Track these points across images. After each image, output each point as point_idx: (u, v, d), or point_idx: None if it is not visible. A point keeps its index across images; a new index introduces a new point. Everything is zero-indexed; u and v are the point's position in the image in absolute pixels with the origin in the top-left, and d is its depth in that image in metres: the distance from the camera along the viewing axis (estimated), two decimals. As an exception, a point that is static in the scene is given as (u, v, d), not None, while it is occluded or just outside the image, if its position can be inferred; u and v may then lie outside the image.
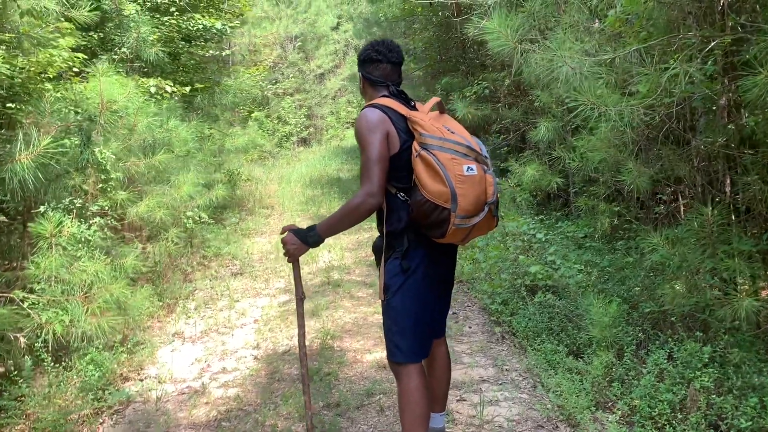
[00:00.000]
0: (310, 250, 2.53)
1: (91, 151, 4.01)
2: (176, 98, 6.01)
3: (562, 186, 5.97)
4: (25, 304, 3.29)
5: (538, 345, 3.82)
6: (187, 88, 5.99)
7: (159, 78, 5.95)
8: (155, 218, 5.28)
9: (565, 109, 5.98)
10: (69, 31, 4.40)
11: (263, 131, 21.78)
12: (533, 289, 4.57)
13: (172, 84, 5.64)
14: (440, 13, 9.80)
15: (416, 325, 2.38)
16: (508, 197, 6.47)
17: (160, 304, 5.28)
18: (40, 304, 3.37)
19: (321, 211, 10.21)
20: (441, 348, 2.64)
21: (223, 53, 8.26)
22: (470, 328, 4.52)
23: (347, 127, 25.19)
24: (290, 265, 2.58)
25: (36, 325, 3.25)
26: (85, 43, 6.26)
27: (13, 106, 4.16)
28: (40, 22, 3.78)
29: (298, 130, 23.55)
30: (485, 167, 2.28)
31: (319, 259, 6.94)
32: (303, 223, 9.52)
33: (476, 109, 7.70)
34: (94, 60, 5.29)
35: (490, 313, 4.64)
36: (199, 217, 6.64)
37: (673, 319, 3.42)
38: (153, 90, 5.42)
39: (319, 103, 26.52)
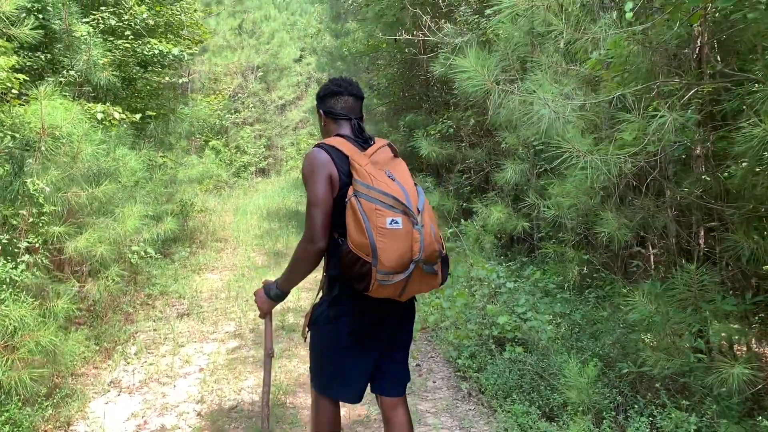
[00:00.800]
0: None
1: (22, 181, 3.61)
2: (125, 125, 5.63)
3: (528, 230, 5.80)
4: (-71, 357, 2.85)
5: (508, 405, 3.54)
6: (138, 116, 5.62)
7: (108, 104, 5.57)
8: (96, 254, 4.85)
9: (533, 152, 5.85)
10: (5, 50, 4.02)
11: (220, 160, 21.34)
12: (501, 341, 4.32)
13: (121, 110, 5.27)
14: (406, 50, 9.70)
15: (333, 372, 2.35)
16: (472, 239, 6.26)
17: (97, 348, 4.81)
18: (-51, 355, 2.93)
19: (278, 246, 9.83)
20: (398, 411, 2.43)
21: (180, 80, 7.91)
22: (434, 382, 4.23)
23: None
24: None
25: (-60, 380, 2.81)
26: (30, 63, 5.87)
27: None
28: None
29: (257, 160, 23.12)
30: (414, 221, 2.08)
31: (273, 299, 6.56)
32: (258, 259, 9.13)
33: (441, 148, 7.55)
34: (39, 82, 4.91)
35: (456, 367, 4.36)
36: (145, 252, 6.22)
37: (657, 385, 3.20)
38: (100, 116, 5.05)
39: (279, 133, 26.26)
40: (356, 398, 2.38)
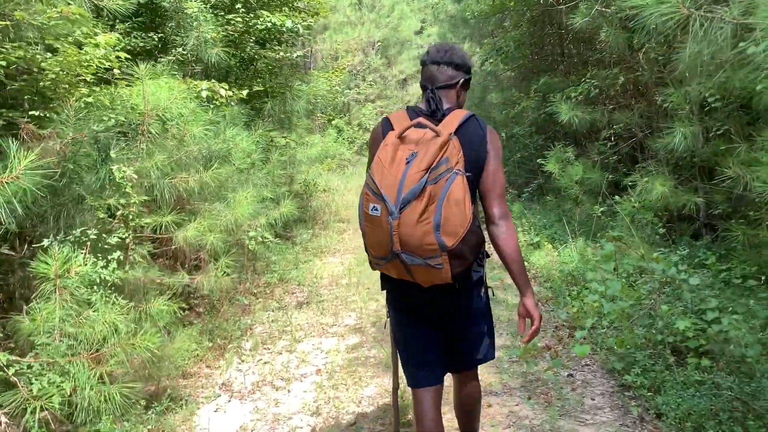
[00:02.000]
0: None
1: (107, 168, 3.24)
2: (233, 103, 5.25)
3: (697, 207, 4.74)
4: (11, 371, 2.53)
5: (702, 442, 2.69)
6: (245, 91, 5.23)
7: (219, 82, 5.21)
8: (206, 243, 4.51)
9: (707, 110, 4.75)
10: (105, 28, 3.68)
11: (343, 139, 21.26)
12: (679, 350, 3.42)
13: (227, 87, 4.88)
14: (537, 4, 8.64)
15: (402, 353, 2.41)
16: (626, 218, 5.29)
17: (210, 345, 4.50)
18: (34, 368, 2.60)
19: (401, 227, 9.28)
20: (465, 382, 2.51)
21: (294, 54, 7.50)
22: (593, 400, 3.42)
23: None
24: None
25: (22, 399, 2.47)
26: (143, 44, 5.65)
27: (36, 113, 3.49)
28: (45, 7, 3.06)
29: (379, 137, 22.78)
30: (390, 212, 1.99)
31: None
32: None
33: (583, 112, 6.54)
34: (150, 63, 4.63)
35: (621, 382, 3.52)
36: (263, 237, 5.87)
37: None
38: (205, 93, 4.68)
39: (401, 108, 25.76)
40: (423, 377, 2.34)
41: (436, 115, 2.20)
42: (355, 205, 12.35)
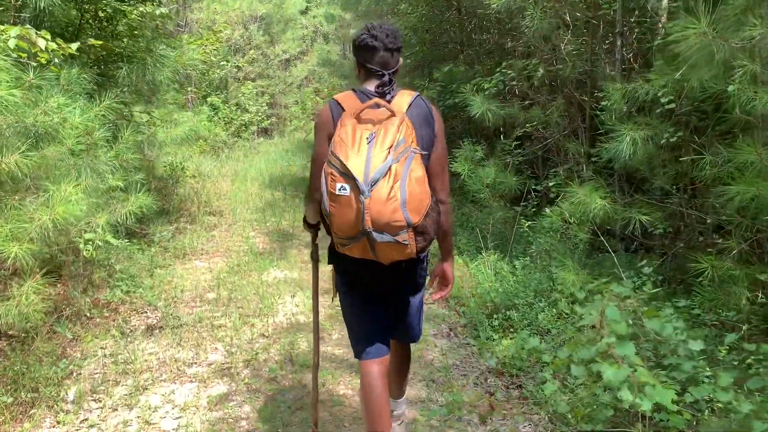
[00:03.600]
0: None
1: None
2: (58, 60, 3.84)
3: (646, 224, 4.08)
4: None
5: None
6: (74, 45, 3.83)
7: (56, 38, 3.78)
8: (7, 256, 3.16)
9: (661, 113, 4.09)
10: None
11: (219, 118, 19.52)
12: None
13: (49, 37, 3.50)
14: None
15: (353, 327, 2.52)
16: (551, 235, 4.56)
17: (8, 400, 3.15)
18: None
19: (283, 224, 8.12)
20: (401, 350, 2.69)
21: (158, 11, 6.07)
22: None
23: (313, 119, 23.12)
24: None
25: None
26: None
27: None
28: None
29: (259, 118, 21.18)
30: (360, 191, 2.02)
31: (277, 309, 4.87)
32: (258, 241, 7.43)
33: (498, 107, 5.76)
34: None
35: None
36: (103, 241, 4.51)
37: None
38: (13, 43, 3.28)
39: (283, 90, 24.33)
40: (377, 349, 2.44)
41: (384, 96, 2.23)
42: (230, 195, 11.01)
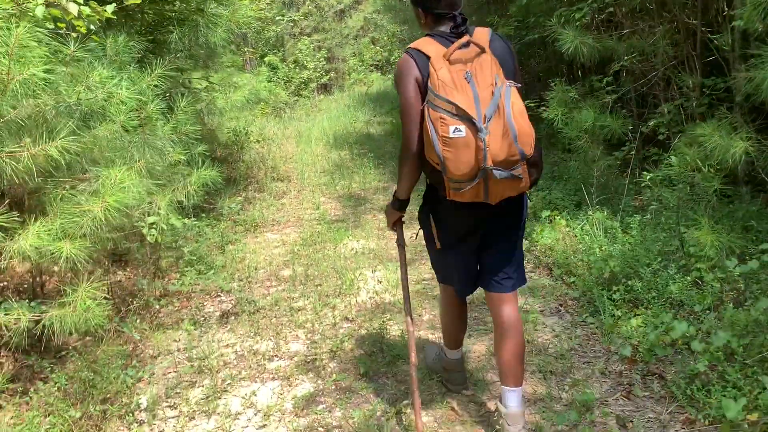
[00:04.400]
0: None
1: None
2: (94, 27, 3.39)
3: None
4: None
5: None
6: (110, 7, 3.35)
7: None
8: (60, 256, 2.79)
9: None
10: None
11: (279, 78, 19.11)
12: None
13: (81, 1, 3.02)
14: None
15: (440, 266, 2.62)
16: (677, 187, 3.85)
17: (78, 415, 2.84)
18: None
19: (353, 187, 7.64)
20: (504, 308, 2.46)
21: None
22: None
23: (372, 71, 22.39)
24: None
25: None
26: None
27: None
28: None
29: (318, 75, 20.62)
30: (478, 129, 1.99)
31: (359, 287, 4.41)
32: (329, 207, 6.99)
33: (594, 40, 4.98)
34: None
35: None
36: (167, 224, 4.15)
37: None
38: (41, 12, 2.83)
39: (339, 43, 23.60)
40: (461, 293, 2.60)
41: (461, 36, 2.18)
42: (296, 158, 10.62)
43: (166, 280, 4.45)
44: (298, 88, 19.26)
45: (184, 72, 6.34)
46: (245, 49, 10.32)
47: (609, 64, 5.45)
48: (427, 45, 2.19)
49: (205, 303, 4.33)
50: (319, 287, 4.42)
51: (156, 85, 4.43)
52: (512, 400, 2.38)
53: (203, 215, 6.11)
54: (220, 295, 4.42)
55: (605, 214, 4.39)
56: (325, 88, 23.48)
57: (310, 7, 23.80)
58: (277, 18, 17.68)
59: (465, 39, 2.11)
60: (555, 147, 6.38)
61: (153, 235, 4.08)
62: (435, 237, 2.43)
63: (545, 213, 4.66)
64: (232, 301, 4.28)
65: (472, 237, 2.39)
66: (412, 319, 2.61)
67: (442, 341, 2.96)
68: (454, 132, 2.00)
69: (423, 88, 2.16)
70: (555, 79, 5.51)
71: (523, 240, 2.62)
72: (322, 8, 24.17)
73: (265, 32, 19.84)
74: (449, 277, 2.58)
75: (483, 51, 2.10)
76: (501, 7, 8.51)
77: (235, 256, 5.18)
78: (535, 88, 8.06)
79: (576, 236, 4.36)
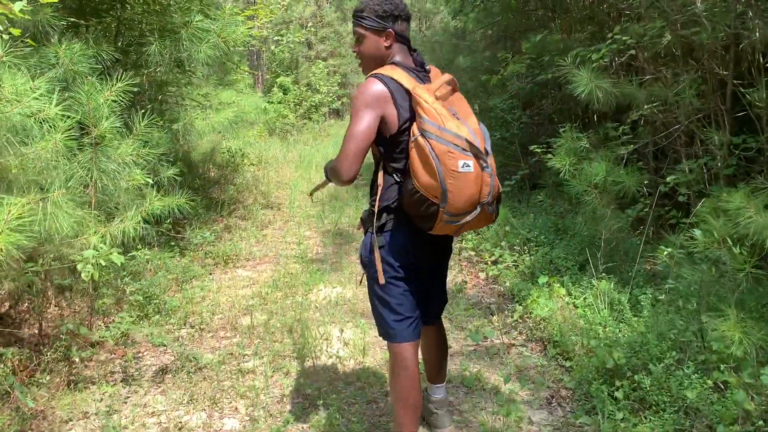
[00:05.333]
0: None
1: None
2: (1, 27, 2.86)
3: None
4: None
5: None
6: (18, 5, 2.82)
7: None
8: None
9: None
10: None
11: (289, 99, 18.78)
12: None
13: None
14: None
15: (392, 308, 2.32)
16: (698, 264, 3.26)
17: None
18: None
19: (342, 223, 7.09)
20: (434, 329, 2.59)
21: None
22: None
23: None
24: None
25: None
26: None
27: None
28: None
29: (330, 99, 20.26)
30: (483, 164, 2.05)
31: (320, 348, 3.82)
32: (312, 242, 6.43)
33: (611, 84, 4.44)
34: None
35: None
36: (106, 259, 3.59)
37: None
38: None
39: (355, 69, 23.31)
40: (417, 334, 2.37)
41: (427, 73, 2.26)
42: (292, 183, 10.12)
43: (103, 322, 3.89)
44: (308, 111, 18.89)
45: (164, 87, 5.87)
46: (243, 68, 9.81)
47: (627, 111, 4.90)
48: (400, 75, 2.13)
49: (144, 353, 3.76)
50: (276, 344, 3.83)
51: (115, 101, 3.93)
52: (439, 392, 2.65)
53: (172, 244, 5.57)
54: (165, 344, 3.84)
55: (612, 284, 3.79)
56: (336, 113, 23.16)
57: (327, 32, 23.64)
58: (275, 38, 17.41)
59: (449, 77, 2.20)
60: (560, 197, 5.81)
61: (88, 271, 3.53)
62: (379, 272, 2.25)
63: (543, 278, 4.06)
64: (174, 354, 3.71)
65: (416, 270, 2.32)
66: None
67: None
68: (463, 167, 1.99)
69: (400, 121, 2.12)
70: (566, 124, 4.96)
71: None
72: (341, 33, 24.01)
73: (279, 53, 19.61)
74: (401, 319, 2.30)
75: (455, 90, 2.18)
76: (513, 43, 8.03)
77: (194, 296, 4.62)
78: (545, 130, 7.54)
79: (577, 307, 3.76)
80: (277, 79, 19.41)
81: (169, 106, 5.74)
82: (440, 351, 2.63)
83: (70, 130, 3.39)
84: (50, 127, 3.25)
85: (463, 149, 1.99)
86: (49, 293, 3.65)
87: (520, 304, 4.06)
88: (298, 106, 18.77)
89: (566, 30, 6.86)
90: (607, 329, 3.40)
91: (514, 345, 3.67)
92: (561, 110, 7.52)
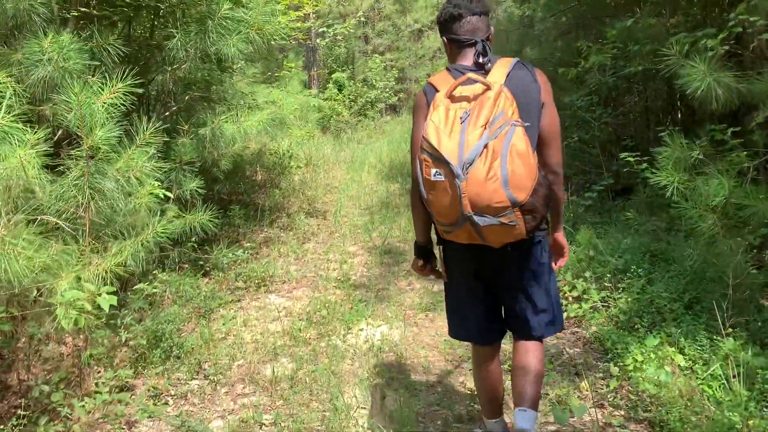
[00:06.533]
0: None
1: None
2: None
3: None
4: None
5: None
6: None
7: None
8: None
9: None
10: None
11: (344, 96, 18.15)
12: None
13: None
14: None
15: (450, 310, 2.43)
16: None
17: None
18: None
19: (392, 237, 6.27)
20: (525, 356, 2.27)
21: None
22: None
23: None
24: None
25: None
26: None
27: None
28: None
29: (386, 95, 19.46)
30: (455, 175, 1.90)
31: (354, 422, 3.02)
32: (357, 262, 5.65)
33: (734, 79, 3.44)
34: None
35: None
36: (95, 307, 2.89)
37: None
38: None
39: (413, 64, 22.43)
40: (476, 338, 2.38)
41: (483, 68, 2.12)
42: (341, 187, 9.40)
43: (95, 377, 3.20)
44: (363, 108, 18.16)
45: (192, 86, 5.19)
46: (290, 66, 9.15)
47: (749, 113, 3.87)
48: (442, 79, 2.13)
49: (137, 426, 3.04)
50: (303, 408, 3.06)
51: (113, 105, 3.26)
52: (523, 419, 2.20)
53: (201, 264, 4.90)
54: (159, 418, 3.12)
55: (744, 347, 2.82)
56: (393, 109, 22.34)
57: (385, 26, 22.87)
58: (321, 30, 16.75)
59: (467, 76, 2.04)
60: (656, 216, 4.80)
61: (70, 318, 2.85)
62: (443, 270, 2.34)
63: (652, 339, 3.08)
64: (173, 427, 2.97)
65: (477, 278, 2.26)
66: None
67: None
68: (435, 175, 1.96)
69: None
70: (670, 128, 3.96)
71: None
72: (399, 27, 23.16)
73: (335, 48, 19.00)
74: (458, 323, 2.39)
75: (488, 88, 1.99)
76: (587, 32, 7.00)
77: (215, 333, 3.91)
78: (628, 131, 6.50)
79: (698, 376, 2.82)
80: (332, 75, 18.82)
81: (195, 108, 5.05)
82: (514, 376, 2.30)
83: (45, 141, 2.72)
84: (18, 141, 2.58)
85: (435, 158, 1.95)
86: (21, 344, 2.99)
87: (616, 365, 3.13)
88: (353, 103, 18.09)
89: (658, 13, 5.78)
90: (744, 415, 2.45)
91: (611, 426, 2.76)
92: (647, 108, 6.47)
